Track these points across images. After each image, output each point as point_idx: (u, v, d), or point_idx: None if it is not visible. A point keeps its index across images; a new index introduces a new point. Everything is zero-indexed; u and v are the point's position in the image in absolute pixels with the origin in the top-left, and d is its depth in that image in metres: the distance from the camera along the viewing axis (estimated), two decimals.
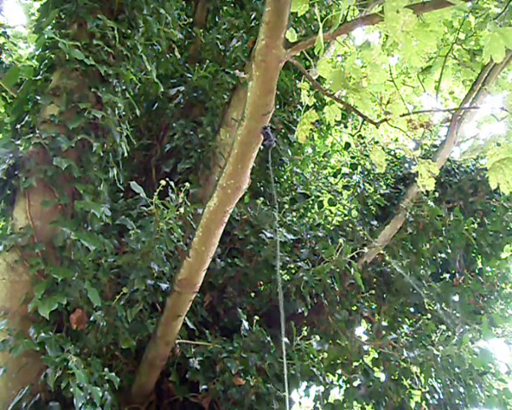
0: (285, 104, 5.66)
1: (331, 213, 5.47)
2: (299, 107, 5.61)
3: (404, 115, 2.12)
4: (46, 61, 3.27)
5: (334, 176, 5.78)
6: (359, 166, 5.40)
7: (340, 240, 3.70)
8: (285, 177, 6.12)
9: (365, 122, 2.22)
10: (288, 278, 4.33)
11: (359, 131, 4.47)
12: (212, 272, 3.90)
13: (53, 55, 3.21)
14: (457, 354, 3.62)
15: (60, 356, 2.52)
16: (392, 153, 5.71)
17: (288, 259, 4.14)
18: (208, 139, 4.48)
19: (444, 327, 4.07)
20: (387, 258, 4.48)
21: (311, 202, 5.92)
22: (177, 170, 4.30)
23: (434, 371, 3.78)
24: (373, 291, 4.35)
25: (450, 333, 4.01)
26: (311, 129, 2.45)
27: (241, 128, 2.23)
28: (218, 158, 4.41)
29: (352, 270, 3.76)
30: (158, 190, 3.04)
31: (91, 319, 2.89)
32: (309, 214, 5.64)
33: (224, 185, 2.38)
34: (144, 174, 4.68)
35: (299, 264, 4.00)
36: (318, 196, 5.65)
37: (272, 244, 3.96)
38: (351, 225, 4.81)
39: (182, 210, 3.11)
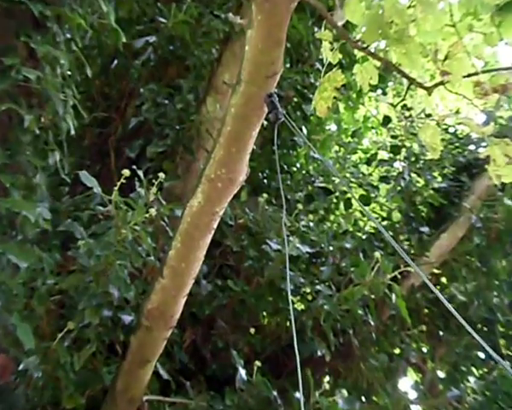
0: (298, 62, 5.66)
1: (363, 215, 5.47)
2: (317, 66, 5.61)
3: (469, 76, 2.11)
4: None
5: (368, 163, 5.77)
6: (403, 150, 5.40)
7: (377, 254, 3.70)
8: (298, 165, 6.13)
9: (413, 87, 2.21)
10: (303, 307, 4.32)
11: (404, 99, 4.47)
12: (196, 298, 3.89)
13: None
14: None
15: None
16: (452, 130, 5.70)
17: (302, 280, 4.14)
18: (190, 112, 4.47)
19: None
20: (444, 280, 4.48)
21: (334, 201, 5.92)
22: (147, 155, 4.31)
23: None
24: (424, 327, 4.34)
25: None
26: (334, 97, 2.44)
27: (236, 96, 2.22)
28: (203, 138, 4.41)
29: (394, 296, 3.76)
30: (119, 184, 3.03)
31: (21, 367, 2.88)
32: (332, 218, 5.65)
33: (213, 177, 2.38)
34: (99, 161, 4.68)
35: (319, 287, 3.99)
36: (345, 192, 5.65)
37: (280, 260, 3.96)
38: (391, 232, 4.80)
39: (153, 211, 3.10)
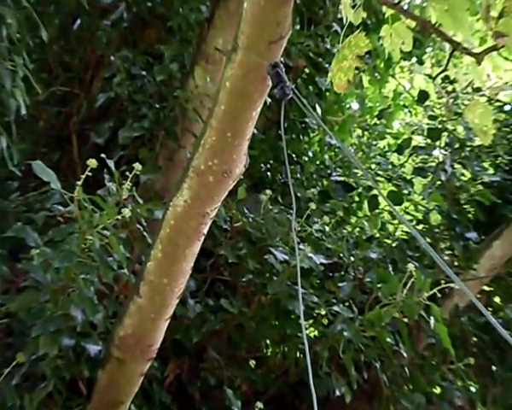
0: (311, 23, 5.66)
1: (393, 217, 5.47)
2: (335, 28, 5.61)
3: None
4: None
5: (399, 152, 5.77)
6: (444, 135, 5.39)
7: (410, 266, 3.69)
8: (310, 154, 6.13)
9: (457, 53, 2.21)
10: (316, 333, 4.32)
11: (445, 69, 4.46)
12: (182, 322, 3.90)
13: None
14: None
15: None
16: (507, 109, 5.69)
17: (315, 299, 4.14)
18: (173, 86, 4.48)
19: None
20: (498, 299, 4.47)
21: (356, 199, 5.91)
22: (119, 141, 4.31)
23: None
24: (471, 360, 4.34)
25: None
26: (356, 68, 2.44)
27: (232, 66, 2.23)
28: (190, 120, 4.42)
29: (433, 321, 3.75)
30: (83, 178, 3.03)
31: None
32: (353, 220, 5.65)
33: (203, 169, 2.39)
34: (58, 148, 4.68)
35: (336, 309, 3.99)
36: (370, 188, 5.64)
37: (288, 273, 3.96)
38: (429, 239, 4.79)
39: (127, 212, 3.10)
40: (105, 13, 4.76)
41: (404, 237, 5.03)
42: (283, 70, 2.14)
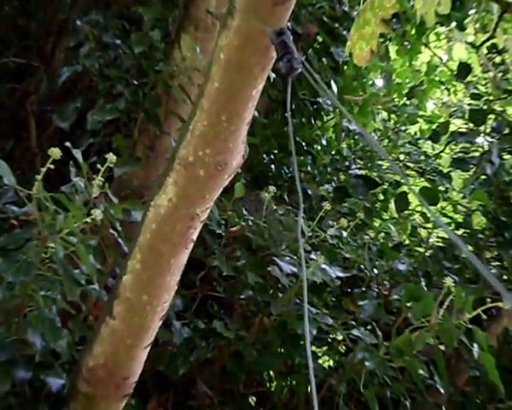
0: None
1: (426, 220, 5.46)
2: None
3: None
4: None
5: (434, 139, 5.77)
6: (491, 118, 5.39)
7: (448, 281, 3.69)
8: (324, 142, 6.13)
9: (508, 16, 2.20)
10: (332, 363, 4.31)
11: (492, 36, 4.45)
12: (165, 350, 3.91)
13: None
14: None
15: None
16: None
17: (330, 321, 4.14)
18: (155, 58, 4.47)
19: None
20: None
21: (381, 197, 5.90)
22: (87, 126, 4.30)
23: None
24: None
25: None
26: (381, 35, 2.44)
27: (227, 34, 2.23)
28: (176, 100, 4.41)
29: (476, 348, 3.75)
30: (44, 171, 3.03)
31: None
32: (376, 224, 5.65)
33: (191, 160, 2.40)
34: (13, 135, 4.68)
35: (356, 333, 3.99)
36: (398, 184, 5.64)
37: (296, 289, 3.97)
38: (472, 247, 4.79)
39: (98, 214, 3.10)
40: None
41: (441, 244, 5.03)
42: (291, 38, 2.13)
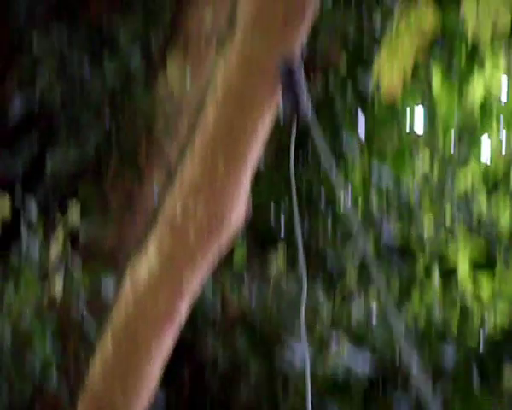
0: None
1: (479, 301, 5.46)
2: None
3: None
4: None
5: (490, 193, 5.79)
6: None
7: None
8: (349, 189, 6.12)
9: None
10: None
11: None
12: None
13: None
14: None
15: None
16: None
17: None
18: (133, 84, 4.53)
19: None
20: None
21: (422, 266, 5.88)
22: (46, 170, 4.35)
23: None
24: None
25: None
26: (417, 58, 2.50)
27: (226, 56, 2.27)
28: (159, 138, 4.45)
29: None
30: None
31: None
32: (415, 299, 5.61)
33: (179, 215, 2.41)
34: None
35: None
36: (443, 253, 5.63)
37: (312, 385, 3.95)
38: None
39: (57, 286, 3.12)
40: None
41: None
42: (302, 74, 2.15)
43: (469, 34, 2.44)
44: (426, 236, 5.72)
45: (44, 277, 3.22)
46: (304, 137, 2.17)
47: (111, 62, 4.48)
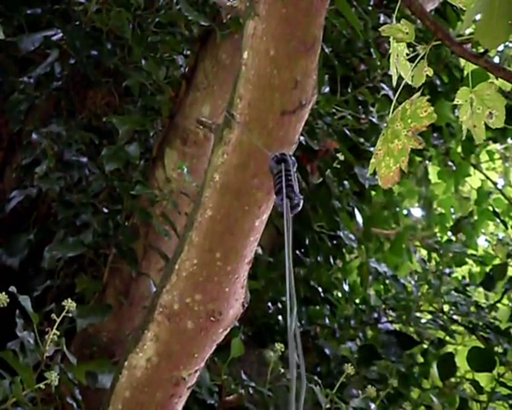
0: (347, 83, 5.76)
1: (479, 390, 5.40)
2: (384, 89, 5.71)
3: None
4: None
5: (487, 286, 5.83)
6: None
7: None
8: (346, 286, 6.09)
9: None
10: None
11: None
12: None
13: None
14: None
15: None
16: None
17: None
18: (131, 179, 4.52)
19: None
20: None
21: (420, 359, 5.85)
22: (43, 264, 4.25)
23: None
24: None
25: None
26: (419, 154, 2.49)
27: (224, 149, 2.28)
28: (157, 232, 4.41)
29: None
30: None
31: None
32: (414, 394, 5.60)
33: (176, 309, 2.41)
34: None
35: None
36: (441, 342, 5.60)
37: None
38: None
39: (52, 378, 3.09)
40: (26, 65, 4.84)
41: None
42: (294, 166, 2.12)
43: (464, 129, 2.43)
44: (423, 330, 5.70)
45: (40, 370, 3.19)
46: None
47: (109, 155, 4.47)
